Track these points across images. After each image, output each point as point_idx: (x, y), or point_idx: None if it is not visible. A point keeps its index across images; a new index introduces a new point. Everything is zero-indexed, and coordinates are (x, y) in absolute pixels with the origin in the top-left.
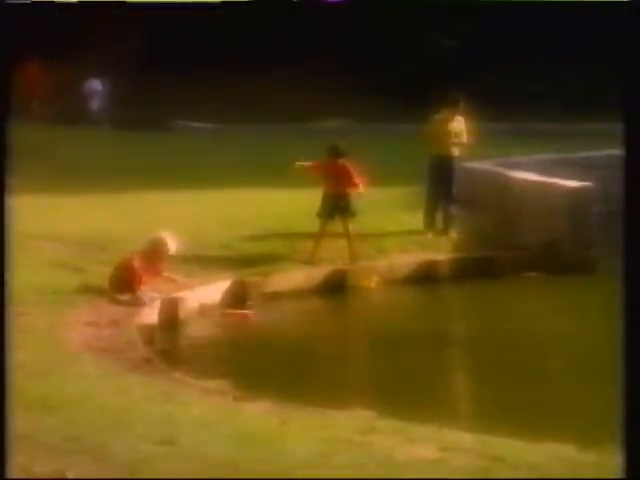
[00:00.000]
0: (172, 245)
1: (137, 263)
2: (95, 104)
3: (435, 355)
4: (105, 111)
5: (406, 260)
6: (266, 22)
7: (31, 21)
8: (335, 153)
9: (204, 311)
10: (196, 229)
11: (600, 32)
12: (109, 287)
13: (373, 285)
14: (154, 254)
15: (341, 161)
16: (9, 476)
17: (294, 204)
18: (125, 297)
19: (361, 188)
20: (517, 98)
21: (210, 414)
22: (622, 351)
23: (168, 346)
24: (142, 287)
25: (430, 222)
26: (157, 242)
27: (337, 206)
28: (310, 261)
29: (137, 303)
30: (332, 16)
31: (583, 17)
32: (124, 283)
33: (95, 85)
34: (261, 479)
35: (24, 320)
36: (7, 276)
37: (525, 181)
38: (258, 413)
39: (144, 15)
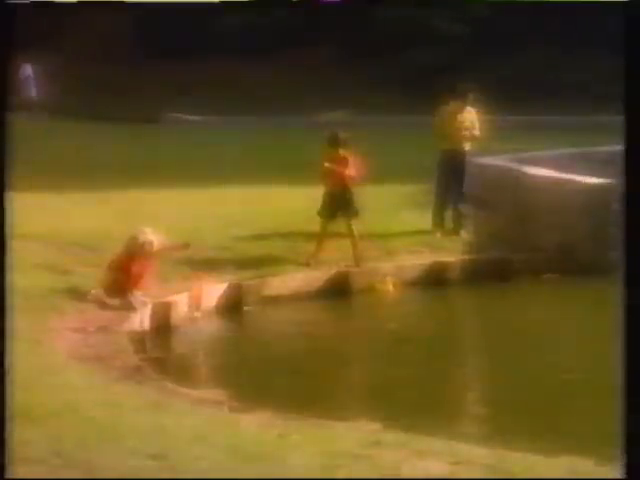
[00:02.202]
0: (154, 240)
1: (132, 264)
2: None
3: (445, 363)
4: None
5: (414, 262)
6: (264, 11)
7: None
8: (335, 142)
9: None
10: (190, 229)
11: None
12: (103, 290)
13: (391, 288)
14: (138, 253)
15: (341, 152)
16: (9, 476)
17: (294, 202)
18: (115, 301)
19: (358, 180)
20: (533, 89)
21: (205, 426)
22: (623, 353)
23: (160, 353)
24: (135, 291)
25: (439, 221)
26: (137, 239)
27: (339, 204)
28: (311, 263)
29: (127, 308)
30: (333, 6)
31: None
32: (119, 286)
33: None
34: None
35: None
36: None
37: (541, 177)
38: (256, 425)
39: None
